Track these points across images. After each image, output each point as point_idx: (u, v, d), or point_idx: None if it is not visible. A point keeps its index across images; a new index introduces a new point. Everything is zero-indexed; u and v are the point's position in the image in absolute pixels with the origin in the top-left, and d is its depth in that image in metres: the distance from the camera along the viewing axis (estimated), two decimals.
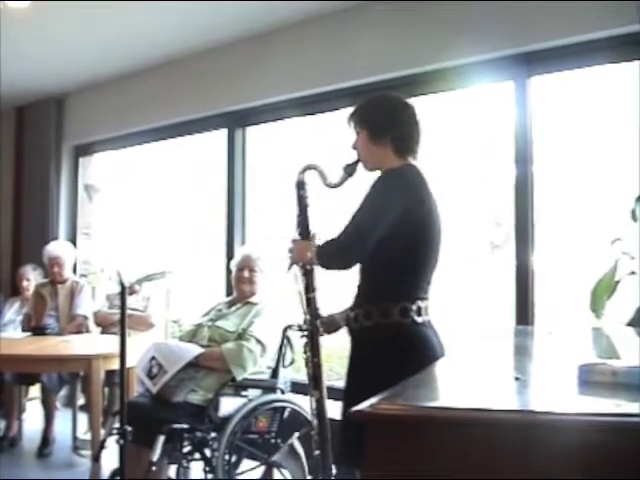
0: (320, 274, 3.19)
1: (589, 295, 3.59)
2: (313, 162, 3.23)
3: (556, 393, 1.70)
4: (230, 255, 5.37)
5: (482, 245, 5.86)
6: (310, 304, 3.22)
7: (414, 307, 2.94)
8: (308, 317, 3.22)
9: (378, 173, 3.04)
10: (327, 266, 3.07)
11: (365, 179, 3.06)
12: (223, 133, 6.33)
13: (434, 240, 3.02)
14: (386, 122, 3.07)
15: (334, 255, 3.01)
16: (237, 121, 6.21)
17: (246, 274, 4.68)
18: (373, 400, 1.56)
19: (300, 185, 3.24)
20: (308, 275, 3.20)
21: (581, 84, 4.66)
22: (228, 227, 6.19)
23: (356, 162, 3.12)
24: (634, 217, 3.53)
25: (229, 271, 4.93)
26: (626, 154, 4.25)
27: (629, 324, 3.40)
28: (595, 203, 4.72)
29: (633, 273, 3.55)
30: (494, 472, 1.41)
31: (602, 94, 4.66)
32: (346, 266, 3.02)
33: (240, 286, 4.70)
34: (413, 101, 5.01)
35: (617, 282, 3.55)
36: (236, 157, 6.22)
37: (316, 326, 3.21)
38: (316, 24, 5.39)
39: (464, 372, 2.10)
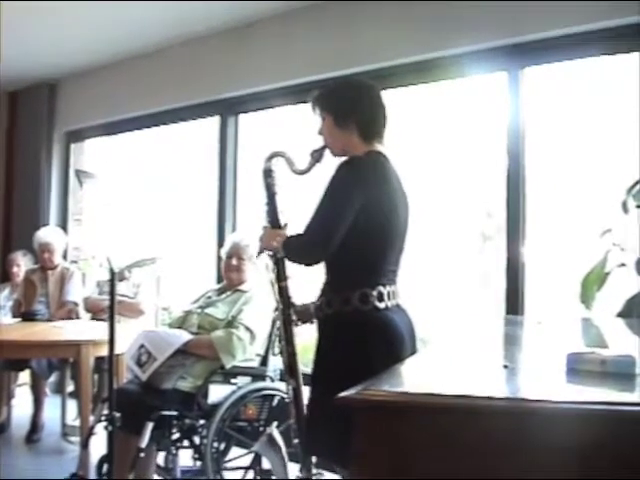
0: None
1: (579, 286, 3.59)
2: (280, 149, 3.23)
3: (545, 381, 1.70)
4: (221, 242, 5.36)
5: (473, 236, 5.86)
6: (282, 293, 3.22)
7: (374, 293, 2.90)
8: (281, 306, 3.22)
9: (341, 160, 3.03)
10: (294, 261, 3.06)
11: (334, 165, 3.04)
12: (216, 120, 6.32)
13: (397, 227, 3.00)
14: (350, 106, 3.02)
15: (300, 252, 2.98)
16: (229, 109, 6.19)
17: (234, 262, 4.66)
18: (359, 387, 1.55)
19: (267, 173, 3.23)
20: (279, 264, 3.20)
21: (575, 76, 4.65)
22: (219, 214, 6.18)
23: (323, 148, 3.11)
24: (625, 209, 3.53)
25: (220, 258, 4.92)
26: (618, 146, 4.25)
27: (619, 315, 3.41)
28: (586, 194, 4.72)
29: (623, 265, 3.55)
30: (483, 458, 1.42)
31: (595, 86, 4.66)
32: (312, 263, 2.98)
33: (229, 274, 4.68)
34: (406, 91, 5.10)
35: (607, 273, 3.55)
36: (228, 144, 6.21)
37: (289, 315, 3.21)
38: (309, 11, 5.37)
39: (452, 360, 2.10)
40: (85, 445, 4.50)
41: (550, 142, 4.82)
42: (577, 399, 1.48)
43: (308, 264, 3.01)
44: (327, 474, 3.51)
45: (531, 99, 4.56)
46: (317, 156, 3.12)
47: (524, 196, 4.53)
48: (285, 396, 4.22)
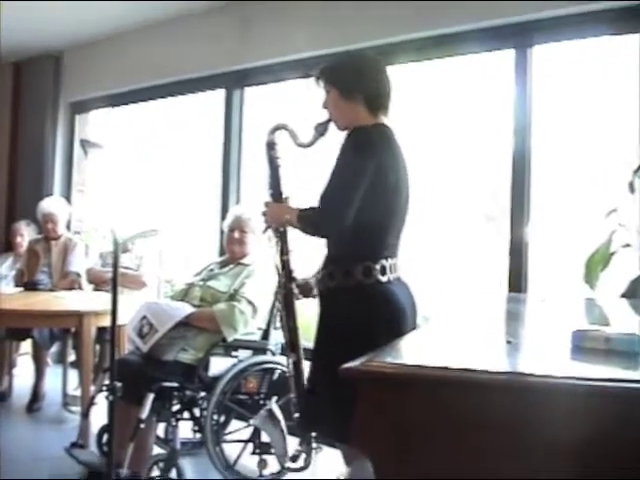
0: (295, 236, 3.19)
1: (583, 267, 3.59)
2: (283, 122, 3.22)
3: (548, 357, 1.69)
4: (224, 215, 5.35)
5: (477, 216, 5.84)
6: (284, 267, 3.22)
7: (377, 267, 2.92)
8: (282, 280, 3.22)
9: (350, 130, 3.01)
10: (311, 234, 3.03)
11: (338, 139, 3.03)
12: (221, 93, 6.29)
13: (400, 200, 3.01)
14: (356, 78, 3.03)
15: (318, 225, 2.95)
16: (235, 82, 6.16)
17: (237, 235, 4.65)
18: (363, 358, 1.55)
19: (270, 146, 3.23)
20: (282, 237, 3.20)
21: (583, 55, 4.62)
22: (223, 187, 6.17)
23: (327, 121, 3.10)
24: (631, 189, 3.52)
25: (222, 231, 4.91)
26: (625, 127, 4.23)
27: (623, 295, 3.40)
28: (593, 175, 4.71)
29: (628, 245, 3.54)
30: (484, 432, 1.41)
31: (603, 66, 4.63)
32: (330, 235, 2.99)
33: (231, 247, 4.67)
34: (412, 67, 5.07)
35: (612, 254, 3.55)
36: (233, 118, 6.19)
37: (290, 289, 3.21)
38: None
39: (456, 334, 2.10)
40: (86, 415, 4.52)
41: (557, 121, 4.80)
42: (581, 375, 1.47)
43: (325, 237, 3.02)
44: (326, 448, 3.53)
45: (539, 78, 4.53)
46: (321, 129, 3.12)
47: (529, 176, 4.50)
48: (286, 370, 4.24)
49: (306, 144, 3.16)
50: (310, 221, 2.96)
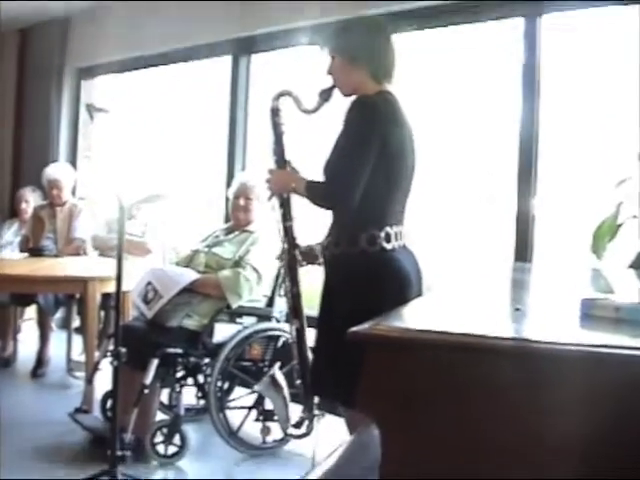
0: (298, 203, 3.19)
1: (591, 237, 3.57)
2: (288, 88, 3.21)
3: (556, 325, 1.68)
4: (230, 182, 5.34)
5: (484, 187, 5.81)
6: (287, 233, 3.21)
7: (382, 234, 2.91)
8: (285, 246, 3.21)
9: (354, 98, 2.99)
10: (320, 207, 3.03)
11: (342, 105, 3.01)
12: (228, 60, 6.25)
13: (406, 167, 3.00)
14: (361, 44, 3.01)
15: (329, 200, 2.97)
16: (242, 49, 6.12)
17: (242, 202, 4.64)
18: (371, 322, 1.54)
19: (275, 112, 3.22)
20: (285, 204, 3.20)
21: (592, 24, 4.57)
22: (229, 154, 6.15)
23: (331, 87, 3.09)
24: None
25: (228, 198, 4.90)
26: (636, 97, 4.20)
27: (631, 266, 3.39)
28: (601, 145, 4.67)
29: (635, 217, 3.53)
30: (491, 399, 1.40)
31: (614, 36, 4.58)
32: (341, 209, 2.98)
33: (236, 214, 4.67)
34: (422, 35, 5.02)
35: (619, 225, 3.53)
36: (239, 85, 6.15)
37: (293, 256, 3.20)
38: None
39: (463, 302, 2.08)
40: (90, 380, 4.53)
41: (565, 90, 4.76)
42: (590, 342, 1.46)
43: (333, 209, 3.01)
44: (329, 416, 3.54)
45: (548, 47, 4.49)
46: (326, 96, 3.12)
47: (537, 146, 4.48)
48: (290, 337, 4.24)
49: (310, 110, 3.16)
50: (319, 194, 2.98)
